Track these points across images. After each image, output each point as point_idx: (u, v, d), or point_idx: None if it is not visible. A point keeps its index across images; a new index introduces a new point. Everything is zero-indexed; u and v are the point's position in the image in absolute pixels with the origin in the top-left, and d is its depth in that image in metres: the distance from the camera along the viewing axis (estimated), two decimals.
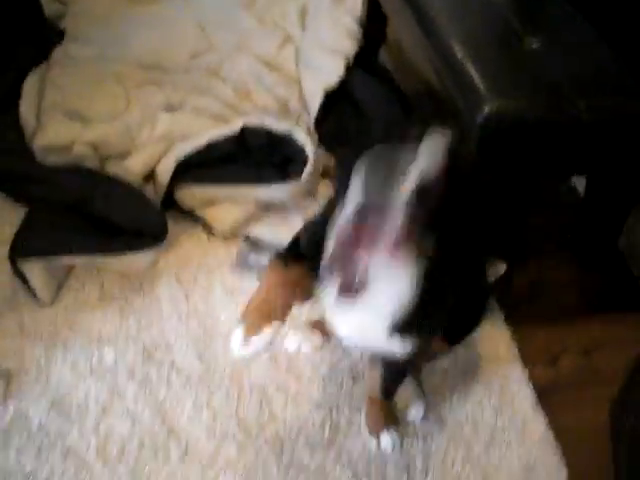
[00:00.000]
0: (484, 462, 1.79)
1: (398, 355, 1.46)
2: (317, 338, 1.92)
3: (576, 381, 2.02)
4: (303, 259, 1.44)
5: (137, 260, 2.05)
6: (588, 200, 2.36)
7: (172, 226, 2.16)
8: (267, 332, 1.32)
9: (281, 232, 2.17)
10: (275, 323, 1.33)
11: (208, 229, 2.21)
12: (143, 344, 1.91)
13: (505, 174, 1.94)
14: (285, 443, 1.76)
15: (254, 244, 2.19)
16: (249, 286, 2.06)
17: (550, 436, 1.85)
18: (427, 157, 1.19)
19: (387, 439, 1.77)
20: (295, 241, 1.53)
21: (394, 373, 1.70)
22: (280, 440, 1.76)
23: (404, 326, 1.38)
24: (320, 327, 1.89)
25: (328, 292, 1.36)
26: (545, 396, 1.94)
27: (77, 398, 1.79)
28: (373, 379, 1.74)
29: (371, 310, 1.35)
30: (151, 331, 1.95)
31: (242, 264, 2.13)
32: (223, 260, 2.15)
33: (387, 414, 1.80)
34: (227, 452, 1.72)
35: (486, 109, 1.86)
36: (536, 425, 1.87)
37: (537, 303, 2.18)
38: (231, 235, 2.20)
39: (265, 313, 1.35)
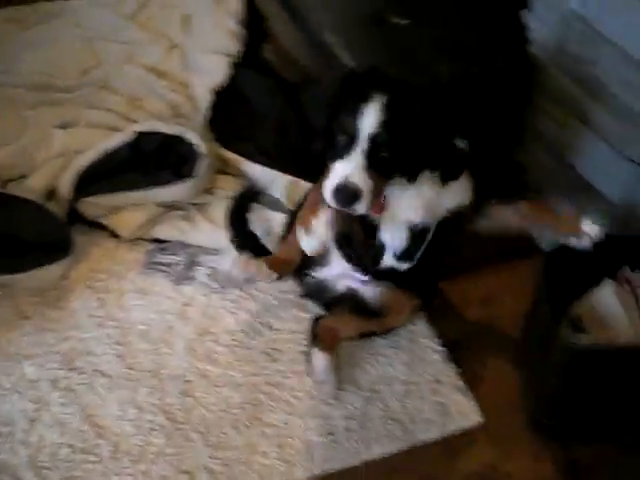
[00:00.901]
0: (401, 415, 1.87)
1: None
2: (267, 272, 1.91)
3: (480, 332, 2.12)
4: None
5: (47, 275, 2.07)
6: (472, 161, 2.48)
7: (79, 238, 2.19)
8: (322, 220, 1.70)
9: (185, 230, 2.24)
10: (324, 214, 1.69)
11: (114, 236, 2.24)
12: (63, 354, 1.94)
13: None
14: (210, 426, 1.81)
15: (160, 244, 2.24)
16: (160, 285, 2.13)
17: (461, 384, 1.94)
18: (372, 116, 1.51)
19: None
20: None
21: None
22: (205, 424, 1.81)
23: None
24: (277, 266, 1.93)
25: None
26: (453, 348, 2.04)
27: (3, 414, 1.81)
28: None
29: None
30: (70, 341, 1.97)
31: (151, 265, 2.18)
32: (132, 264, 2.19)
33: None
34: (156, 443, 1.77)
35: None
36: (447, 376, 1.96)
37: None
38: (137, 239, 2.24)
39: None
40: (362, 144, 1.52)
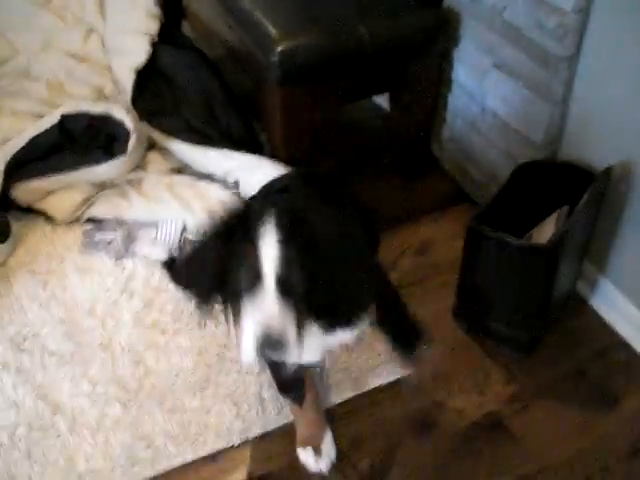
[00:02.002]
0: (349, 364, 1.94)
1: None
2: None
3: (417, 277, 2.20)
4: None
5: None
6: (395, 115, 2.55)
7: (15, 224, 2.20)
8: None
9: (120, 206, 2.26)
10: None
11: (50, 219, 2.25)
12: (10, 338, 1.95)
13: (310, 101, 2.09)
14: (165, 392, 1.84)
15: (97, 223, 2.26)
16: (101, 262, 2.15)
17: None
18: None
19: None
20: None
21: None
22: (159, 391, 1.85)
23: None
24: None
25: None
26: None
27: None
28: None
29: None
30: (15, 324, 1.99)
31: (90, 243, 2.19)
32: (71, 245, 2.21)
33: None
34: (112, 413, 1.80)
35: (278, 49, 2.00)
36: None
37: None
38: (73, 220, 2.26)
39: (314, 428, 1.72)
40: (271, 289, 1.24)
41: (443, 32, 2.24)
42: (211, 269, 1.32)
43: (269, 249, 1.23)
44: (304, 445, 1.71)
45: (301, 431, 1.74)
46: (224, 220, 1.33)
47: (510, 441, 1.81)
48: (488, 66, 2.15)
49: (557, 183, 1.99)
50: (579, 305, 2.13)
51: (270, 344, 1.23)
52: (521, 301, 1.92)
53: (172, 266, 2.04)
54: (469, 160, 2.39)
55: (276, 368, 1.62)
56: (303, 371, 1.68)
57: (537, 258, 1.80)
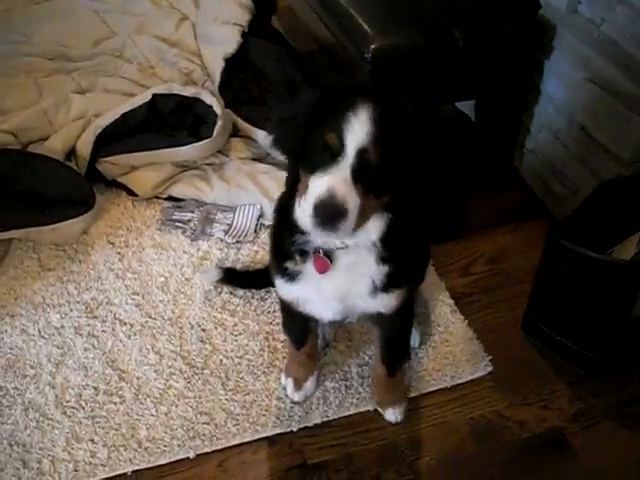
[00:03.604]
0: (416, 365, 1.93)
1: (386, 311, 1.53)
2: None
3: (488, 286, 2.18)
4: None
5: (70, 228, 2.13)
6: (480, 124, 2.54)
7: (98, 197, 2.24)
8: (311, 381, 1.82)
9: (200, 188, 2.30)
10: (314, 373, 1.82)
11: (132, 195, 2.30)
12: (85, 303, 2.00)
13: None
14: (229, 371, 1.86)
15: (176, 202, 2.30)
16: (177, 241, 2.19)
17: (470, 334, 1.99)
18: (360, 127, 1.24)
19: (390, 415, 1.80)
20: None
21: (394, 348, 1.74)
22: (224, 369, 1.86)
23: (386, 282, 1.46)
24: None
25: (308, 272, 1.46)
26: (462, 302, 2.09)
27: (30, 358, 1.87)
28: (375, 355, 1.80)
29: (352, 276, 1.45)
30: (91, 292, 2.04)
31: (168, 222, 2.23)
32: (150, 221, 2.25)
33: (393, 390, 1.81)
34: (176, 387, 1.83)
35: (372, 46, 2.01)
36: (457, 327, 2.01)
37: (446, 223, 2.34)
38: (154, 197, 2.30)
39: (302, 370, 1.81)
40: (348, 158, 1.24)
41: (537, 42, 2.21)
42: (299, 127, 1.33)
43: (359, 124, 1.24)
44: (287, 375, 1.84)
45: (289, 364, 1.86)
46: (322, 87, 1.36)
47: (570, 458, 1.78)
48: (580, 79, 2.11)
49: None
50: None
51: (329, 212, 1.23)
52: (596, 319, 1.88)
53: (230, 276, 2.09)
54: (550, 173, 2.35)
55: (289, 311, 1.62)
56: (315, 324, 1.72)
57: (617, 275, 1.76)
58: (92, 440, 1.72)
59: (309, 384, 1.83)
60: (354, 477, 1.71)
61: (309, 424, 1.78)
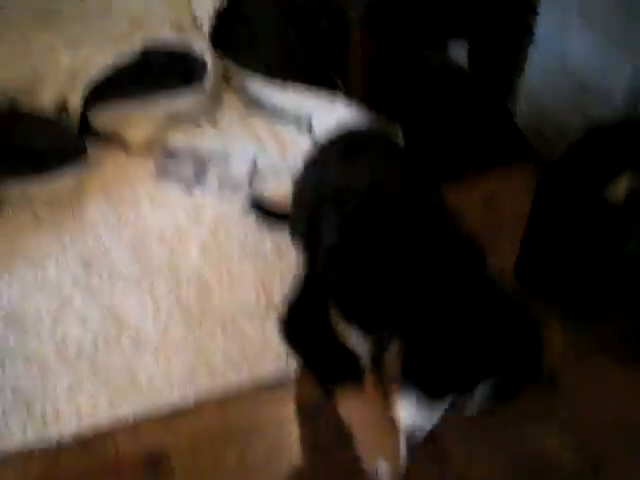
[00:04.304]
0: None
1: None
2: None
3: (481, 231, 2.18)
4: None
5: (63, 182, 2.12)
6: (474, 70, 2.52)
7: (91, 151, 2.23)
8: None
9: (194, 140, 2.29)
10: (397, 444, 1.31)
11: (125, 147, 2.29)
12: (81, 256, 2.00)
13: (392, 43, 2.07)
14: (227, 318, 1.87)
15: (171, 153, 2.29)
16: (171, 192, 2.19)
17: None
18: None
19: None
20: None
21: None
22: (222, 316, 1.87)
23: None
24: None
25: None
26: None
27: (29, 312, 1.88)
28: None
29: None
30: (87, 245, 2.04)
31: (162, 173, 2.23)
32: (144, 173, 2.24)
33: None
34: (175, 334, 1.84)
35: None
36: None
37: (438, 166, 2.32)
38: (148, 149, 2.29)
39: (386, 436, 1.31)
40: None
41: None
42: None
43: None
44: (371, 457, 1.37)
45: (362, 432, 1.38)
46: None
47: (561, 394, 1.79)
48: (573, 20, 2.09)
49: (633, 144, 1.95)
50: None
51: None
52: (588, 261, 1.88)
53: (259, 204, 2.06)
54: (543, 117, 2.34)
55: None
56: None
57: (609, 216, 1.77)
58: (94, 389, 1.74)
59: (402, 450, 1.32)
60: None
61: None
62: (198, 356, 1.79)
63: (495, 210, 2.22)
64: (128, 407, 1.70)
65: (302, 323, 1.34)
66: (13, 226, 2.09)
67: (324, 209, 1.37)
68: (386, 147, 1.71)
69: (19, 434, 1.64)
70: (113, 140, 2.30)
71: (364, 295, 1.22)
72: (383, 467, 1.29)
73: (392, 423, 1.22)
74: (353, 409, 1.33)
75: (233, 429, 1.68)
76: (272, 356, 1.80)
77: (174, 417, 1.70)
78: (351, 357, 1.32)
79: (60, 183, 2.12)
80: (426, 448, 1.60)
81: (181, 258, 2.00)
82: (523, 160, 2.35)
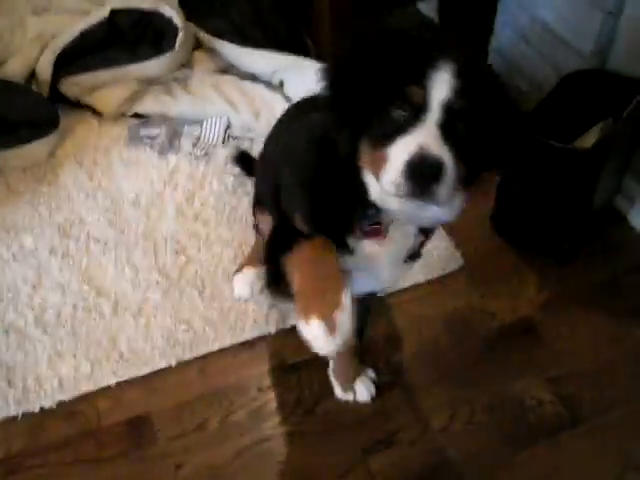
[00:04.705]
0: None
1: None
2: None
3: None
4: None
5: (36, 150, 2.09)
6: (444, 25, 2.50)
7: (63, 118, 2.20)
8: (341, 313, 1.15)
9: (166, 103, 2.26)
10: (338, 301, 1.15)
11: (97, 114, 2.26)
12: (57, 224, 1.98)
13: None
14: (205, 280, 1.86)
15: (143, 118, 2.26)
16: (146, 156, 2.16)
17: (441, 231, 1.99)
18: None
19: (362, 389, 1.66)
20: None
21: (366, 310, 1.57)
22: (200, 279, 1.86)
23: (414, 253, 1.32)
24: None
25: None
26: None
27: (6, 282, 1.85)
28: None
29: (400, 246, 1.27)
30: (62, 212, 2.01)
31: (135, 138, 2.20)
32: (117, 138, 2.22)
33: (356, 363, 1.67)
34: (154, 298, 1.82)
35: None
36: None
37: None
38: (119, 115, 2.26)
39: (324, 298, 1.16)
40: (433, 114, 1.06)
41: None
42: (368, 85, 1.10)
43: (445, 75, 1.06)
44: (308, 315, 1.16)
45: (304, 292, 1.20)
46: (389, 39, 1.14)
47: (541, 345, 1.80)
48: None
49: (604, 94, 1.94)
50: (617, 220, 2.10)
51: (426, 171, 1.03)
52: (560, 209, 1.89)
53: (242, 159, 2.05)
54: (516, 71, 2.33)
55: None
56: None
57: (579, 163, 1.76)
58: (74, 356, 1.72)
59: (346, 303, 1.15)
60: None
61: (286, 326, 1.78)
62: (178, 319, 1.78)
63: None
64: (109, 372, 1.69)
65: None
66: None
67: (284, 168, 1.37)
68: None
69: (1, 404, 1.62)
70: (84, 107, 2.26)
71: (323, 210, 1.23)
72: (315, 324, 1.13)
73: (338, 278, 1.18)
74: (298, 259, 1.24)
75: (215, 390, 1.68)
76: (251, 316, 1.79)
77: (155, 381, 1.69)
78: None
79: (33, 151, 2.09)
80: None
81: (157, 222, 1.99)
82: None
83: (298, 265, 1.23)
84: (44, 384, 1.67)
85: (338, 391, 1.67)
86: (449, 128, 1.06)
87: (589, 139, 1.92)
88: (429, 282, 1.90)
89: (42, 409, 1.63)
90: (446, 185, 1.05)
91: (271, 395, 1.67)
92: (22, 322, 1.78)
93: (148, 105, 2.24)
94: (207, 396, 1.67)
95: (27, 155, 2.08)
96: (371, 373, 1.70)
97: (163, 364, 1.71)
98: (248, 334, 1.77)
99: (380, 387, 1.69)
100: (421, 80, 1.06)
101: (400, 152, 1.05)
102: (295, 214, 1.28)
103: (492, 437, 1.62)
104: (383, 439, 1.61)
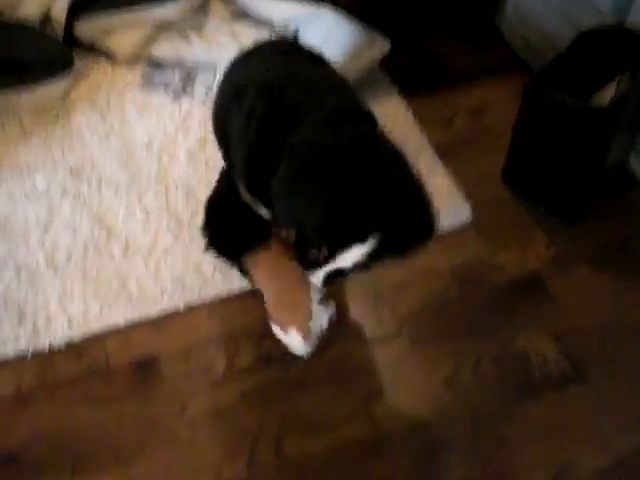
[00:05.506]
0: None
1: None
2: None
3: (469, 138, 2.15)
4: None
5: (50, 91, 2.05)
6: None
7: (77, 62, 2.15)
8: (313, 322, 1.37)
9: (181, 48, 2.22)
10: (308, 311, 1.36)
11: (111, 58, 2.22)
12: (70, 166, 1.95)
13: None
14: None
15: (157, 63, 2.22)
16: (160, 101, 2.13)
17: (451, 185, 1.96)
18: None
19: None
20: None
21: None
22: None
23: None
24: None
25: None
26: (444, 153, 2.05)
27: (18, 221, 1.83)
28: None
29: None
30: (75, 154, 1.98)
31: (149, 83, 2.16)
32: (131, 83, 2.17)
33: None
34: (164, 242, 1.80)
35: None
36: (438, 178, 1.97)
37: (426, 75, 2.28)
38: (134, 59, 2.22)
39: (297, 310, 1.37)
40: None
41: None
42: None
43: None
44: (280, 325, 1.43)
45: (274, 305, 1.45)
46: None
47: (547, 300, 1.78)
48: None
49: (621, 51, 1.89)
50: (630, 181, 2.06)
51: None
52: (573, 167, 1.85)
53: None
54: (531, 28, 2.27)
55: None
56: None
57: (594, 120, 1.72)
58: (84, 296, 1.70)
59: (315, 310, 1.37)
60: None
61: None
62: (187, 262, 1.76)
63: (483, 118, 2.18)
64: (118, 313, 1.68)
65: (221, 204, 1.43)
66: (0, 137, 2.03)
67: (230, 104, 1.45)
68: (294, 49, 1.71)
69: (11, 342, 1.62)
70: (99, 50, 2.22)
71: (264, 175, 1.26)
72: (293, 334, 1.34)
73: (304, 288, 1.33)
74: (264, 272, 1.39)
75: (222, 334, 1.67)
76: None
77: (164, 323, 1.68)
78: (261, 223, 1.39)
79: (47, 93, 2.05)
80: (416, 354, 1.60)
81: (169, 167, 1.95)
82: (513, 71, 2.29)
83: (266, 278, 1.39)
84: (54, 323, 1.65)
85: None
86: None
87: (605, 96, 1.88)
88: (437, 236, 1.86)
89: (51, 347, 1.62)
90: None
91: (277, 341, 1.65)
92: (33, 262, 1.76)
93: (163, 50, 2.20)
94: (214, 340, 1.66)
95: (41, 96, 2.04)
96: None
97: (172, 307, 1.69)
98: None
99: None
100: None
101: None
102: (239, 183, 1.35)
103: (495, 389, 1.61)
104: (387, 387, 1.60)
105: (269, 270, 1.38)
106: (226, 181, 1.53)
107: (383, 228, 1.18)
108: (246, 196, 1.39)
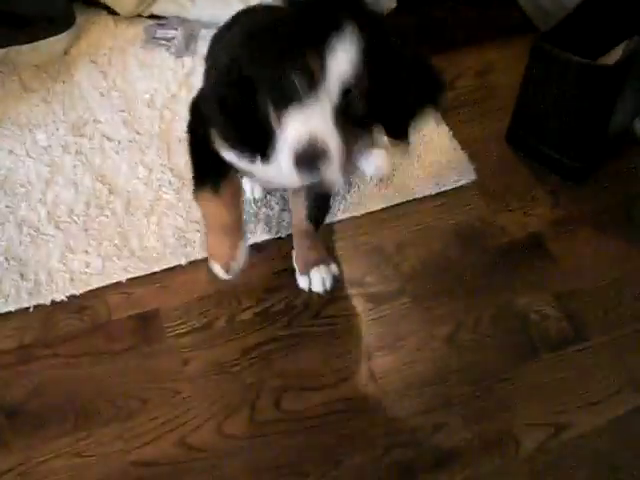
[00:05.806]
0: (401, 174, 1.90)
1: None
2: None
3: (474, 99, 2.12)
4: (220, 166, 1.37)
5: (51, 47, 2.01)
6: None
7: (78, 18, 2.11)
8: (239, 253, 1.39)
9: (183, 5, 2.18)
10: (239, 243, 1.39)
11: (113, 14, 2.18)
12: (71, 122, 1.92)
13: None
14: None
15: (159, 19, 2.19)
16: (161, 58, 2.10)
17: (455, 144, 1.94)
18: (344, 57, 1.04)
19: (317, 279, 1.65)
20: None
21: (320, 199, 1.56)
22: None
23: None
24: None
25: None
26: (448, 114, 2.01)
27: (20, 178, 1.81)
28: (298, 211, 1.58)
29: None
30: (77, 110, 1.95)
31: (150, 40, 2.12)
32: (133, 39, 2.13)
33: (317, 250, 1.67)
34: (166, 198, 1.79)
35: None
36: (442, 137, 1.96)
37: (433, 36, 2.25)
38: (136, 15, 2.18)
39: (227, 240, 1.39)
40: (330, 89, 1.05)
41: None
42: (272, 49, 1.10)
43: (342, 47, 1.04)
44: (211, 258, 1.43)
45: (211, 241, 1.46)
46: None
47: (549, 261, 1.78)
48: None
49: (631, 14, 1.86)
50: (634, 143, 2.04)
51: (312, 161, 1.07)
52: (578, 127, 1.83)
53: None
54: None
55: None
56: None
57: (601, 79, 1.70)
58: (86, 251, 1.69)
59: (239, 254, 1.39)
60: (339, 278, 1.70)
61: (290, 232, 1.75)
62: (189, 219, 1.75)
63: (488, 80, 2.16)
64: (120, 269, 1.67)
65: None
66: (1, 93, 1.99)
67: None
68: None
69: (13, 298, 1.61)
70: (100, 7, 2.19)
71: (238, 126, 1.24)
72: (216, 266, 1.40)
73: (235, 236, 1.38)
74: (209, 208, 1.41)
75: (223, 290, 1.66)
76: (262, 219, 1.77)
77: (165, 279, 1.68)
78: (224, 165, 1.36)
79: (48, 48, 2.01)
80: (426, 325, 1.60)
81: (171, 124, 1.93)
82: (522, 35, 2.26)
83: (207, 214, 1.43)
84: (56, 278, 1.65)
85: (297, 276, 1.67)
86: (346, 102, 1.06)
87: (612, 58, 1.85)
88: (441, 194, 1.86)
89: (54, 302, 1.61)
90: (334, 167, 1.07)
91: (279, 297, 1.65)
92: (35, 217, 1.75)
93: (165, 6, 2.16)
94: (215, 295, 1.65)
95: (42, 51, 2.01)
96: (334, 268, 1.68)
97: (174, 262, 1.68)
98: (258, 237, 1.74)
99: (387, 294, 1.68)
100: (321, 50, 1.04)
101: (291, 132, 1.07)
102: (210, 128, 1.31)
103: (495, 348, 1.61)
104: (388, 344, 1.60)
105: (211, 210, 1.42)
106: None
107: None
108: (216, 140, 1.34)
